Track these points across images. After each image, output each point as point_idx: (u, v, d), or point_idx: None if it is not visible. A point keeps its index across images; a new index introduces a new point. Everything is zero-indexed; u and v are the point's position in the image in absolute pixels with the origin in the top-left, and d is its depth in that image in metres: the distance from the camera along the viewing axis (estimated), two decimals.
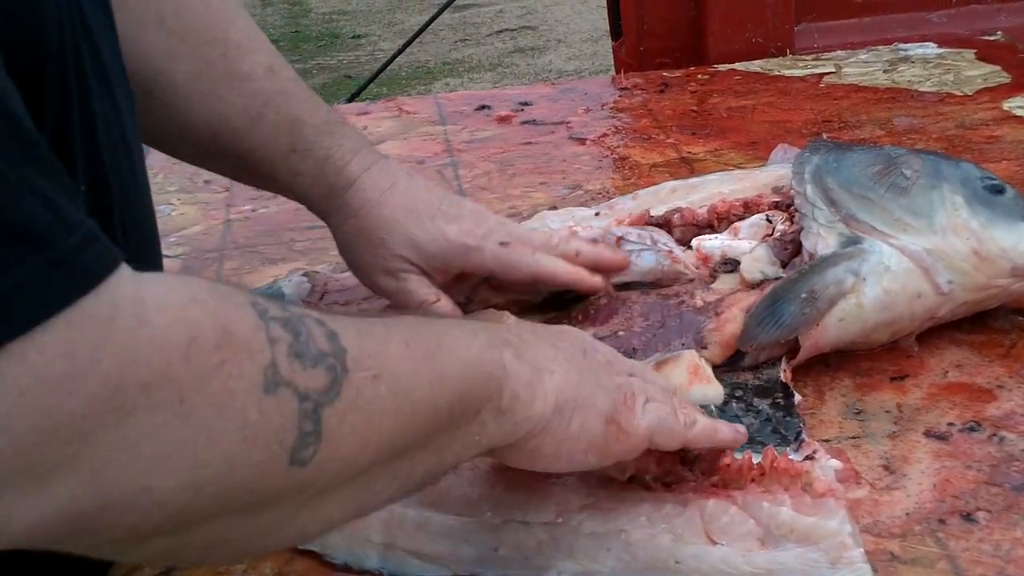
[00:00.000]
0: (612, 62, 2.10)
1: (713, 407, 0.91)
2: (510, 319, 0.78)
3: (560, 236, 1.04)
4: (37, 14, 0.63)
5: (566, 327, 0.83)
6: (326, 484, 0.58)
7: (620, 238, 1.10)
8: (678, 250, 1.09)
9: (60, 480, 0.48)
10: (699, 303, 1.02)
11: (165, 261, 1.28)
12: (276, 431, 0.55)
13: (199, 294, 0.54)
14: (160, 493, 0.51)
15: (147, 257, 0.84)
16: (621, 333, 1.00)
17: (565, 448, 0.72)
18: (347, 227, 1.00)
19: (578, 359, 0.75)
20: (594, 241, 1.07)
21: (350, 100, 2.98)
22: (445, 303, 0.99)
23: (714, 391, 0.92)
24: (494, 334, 0.71)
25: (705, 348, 0.96)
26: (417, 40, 3.91)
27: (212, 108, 0.94)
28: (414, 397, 0.62)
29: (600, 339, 0.98)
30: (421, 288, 0.99)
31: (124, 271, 0.51)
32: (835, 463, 0.83)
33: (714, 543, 0.77)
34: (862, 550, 0.75)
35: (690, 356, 0.93)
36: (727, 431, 0.80)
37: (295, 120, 0.97)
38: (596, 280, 1.03)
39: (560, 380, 0.72)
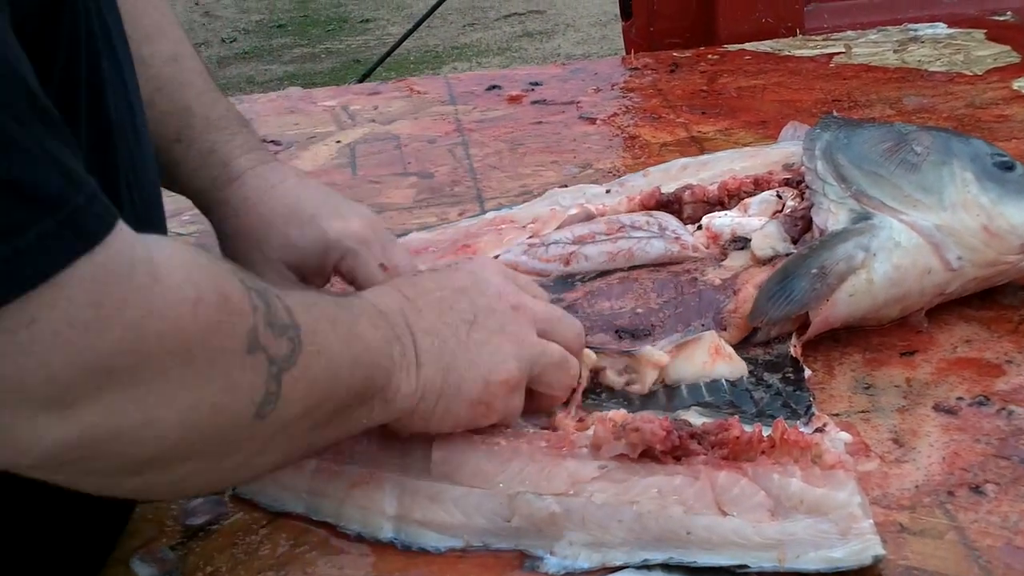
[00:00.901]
0: (621, 46, 2.10)
1: (724, 381, 0.92)
2: (411, 287, 0.82)
3: None
4: None
5: (476, 270, 0.86)
6: (271, 438, 0.67)
7: (624, 226, 1.10)
8: (686, 235, 1.09)
9: (85, 409, 0.56)
10: (716, 281, 1.02)
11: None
12: (251, 387, 0.63)
13: (199, 259, 0.62)
14: (161, 427, 0.59)
15: (151, 217, 0.84)
16: (640, 311, 1.00)
17: (432, 425, 0.81)
18: (227, 226, 0.96)
19: (459, 335, 0.81)
20: None
21: (360, 82, 2.99)
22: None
23: (737, 367, 0.93)
24: (390, 325, 0.77)
25: (724, 330, 0.97)
26: (425, 24, 3.91)
27: None
28: (340, 374, 0.71)
29: (618, 315, 0.99)
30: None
31: (124, 228, 0.57)
32: (845, 436, 0.84)
33: (725, 514, 0.77)
34: (871, 521, 0.76)
35: (710, 337, 0.94)
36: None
37: (185, 109, 0.94)
38: None
39: (428, 372, 0.78)
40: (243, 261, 0.94)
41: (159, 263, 0.58)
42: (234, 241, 0.96)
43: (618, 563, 0.77)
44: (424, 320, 0.79)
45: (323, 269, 0.96)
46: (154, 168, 0.86)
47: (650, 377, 0.92)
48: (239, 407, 0.63)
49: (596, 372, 0.93)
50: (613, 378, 0.92)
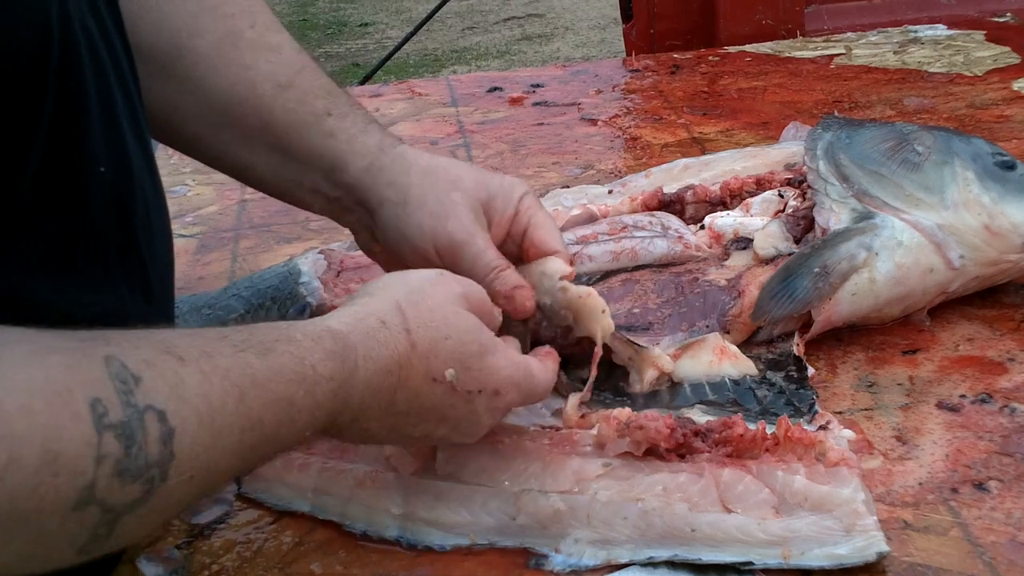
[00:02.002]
0: (620, 49, 2.11)
1: (728, 380, 0.92)
2: (409, 394, 0.75)
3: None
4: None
5: (468, 414, 0.78)
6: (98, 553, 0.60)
7: (627, 226, 1.11)
8: (689, 235, 1.09)
9: None
10: (721, 282, 1.02)
11: (182, 241, 1.30)
12: (72, 537, 0.56)
13: (33, 402, 0.54)
14: None
15: (159, 231, 0.83)
16: (636, 310, 1.01)
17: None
18: (410, 177, 0.89)
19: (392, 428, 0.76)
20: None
21: (361, 84, 2.99)
22: (511, 273, 0.87)
23: (744, 366, 0.93)
24: (336, 413, 0.70)
25: (728, 333, 0.97)
26: (424, 28, 3.91)
27: (238, 75, 0.90)
28: (214, 486, 0.64)
29: (615, 316, 0.99)
30: (489, 250, 0.87)
31: None
32: (848, 433, 0.84)
33: (729, 511, 0.78)
34: (876, 518, 0.76)
35: (715, 339, 0.94)
36: None
37: (329, 89, 0.93)
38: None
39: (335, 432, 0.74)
40: (441, 205, 0.88)
41: None
42: (423, 188, 0.89)
43: (623, 560, 0.77)
44: (375, 423, 0.74)
45: (508, 206, 0.90)
46: (160, 186, 0.85)
47: (649, 376, 0.92)
48: (53, 554, 0.57)
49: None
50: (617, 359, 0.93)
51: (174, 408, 0.59)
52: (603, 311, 0.87)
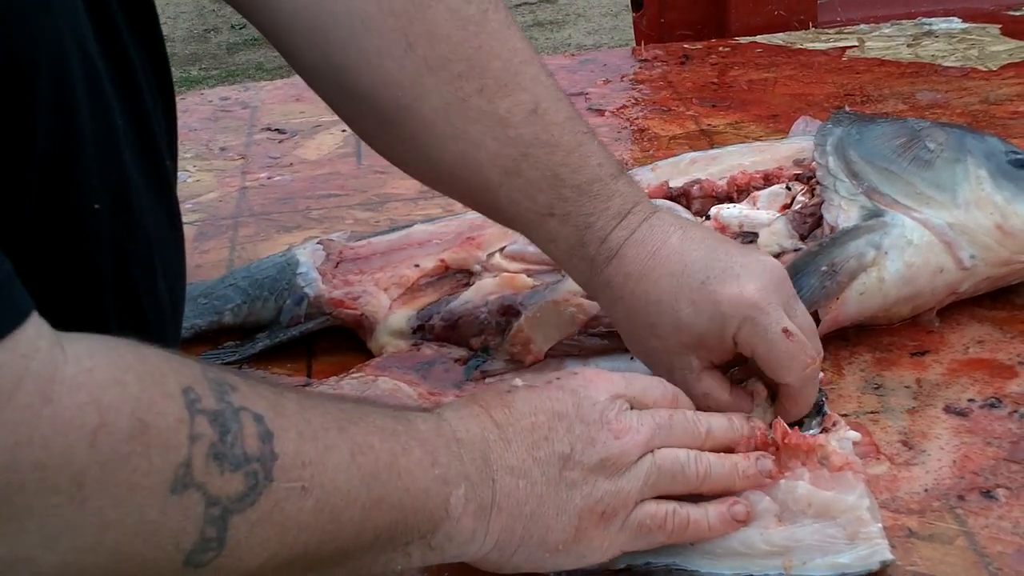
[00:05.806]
0: (632, 37, 2.08)
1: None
2: (503, 408, 0.72)
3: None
4: (25, 23, 0.60)
5: (579, 389, 0.74)
6: None
7: None
8: None
9: None
10: None
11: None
12: (174, 532, 0.54)
13: (124, 376, 0.53)
14: (40, 567, 0.52)
15: (165, 271, 0.78)
16: None
17: (507, 570, 0.72)
18: (616, 311, 0.86)
19: (550, 474, 0.71)
20: None
21: None
22: (738, 422, 0.80)
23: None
24: (455, 464, 0.67)
25: None
26: None
27: (464, 154, 0.83)
28: (342, 517, 0.61)
29: None
30: (713, 389, 0.83)
31: (31, 328, 0.51)
32: (854, 435, 0.82)
33: None
34: (880, 525, 0.74)
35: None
36: (739, 510, 0.75)
37: (555, 179, 0.83)
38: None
39: (507, 520, 0.69)
40: (643, 349, 0.86)
41: (61, 379, 0.51)
42: (627, 330, 0.86)
43: (621, 566, 0.75)
44: (511, 455, 0.70)
45: (724, 344, 0.82)
46: (180, 229, 0.82)
47: None
48: (156, 555, 0.54)
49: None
50: None
51: (272, 416, 0.58)
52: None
